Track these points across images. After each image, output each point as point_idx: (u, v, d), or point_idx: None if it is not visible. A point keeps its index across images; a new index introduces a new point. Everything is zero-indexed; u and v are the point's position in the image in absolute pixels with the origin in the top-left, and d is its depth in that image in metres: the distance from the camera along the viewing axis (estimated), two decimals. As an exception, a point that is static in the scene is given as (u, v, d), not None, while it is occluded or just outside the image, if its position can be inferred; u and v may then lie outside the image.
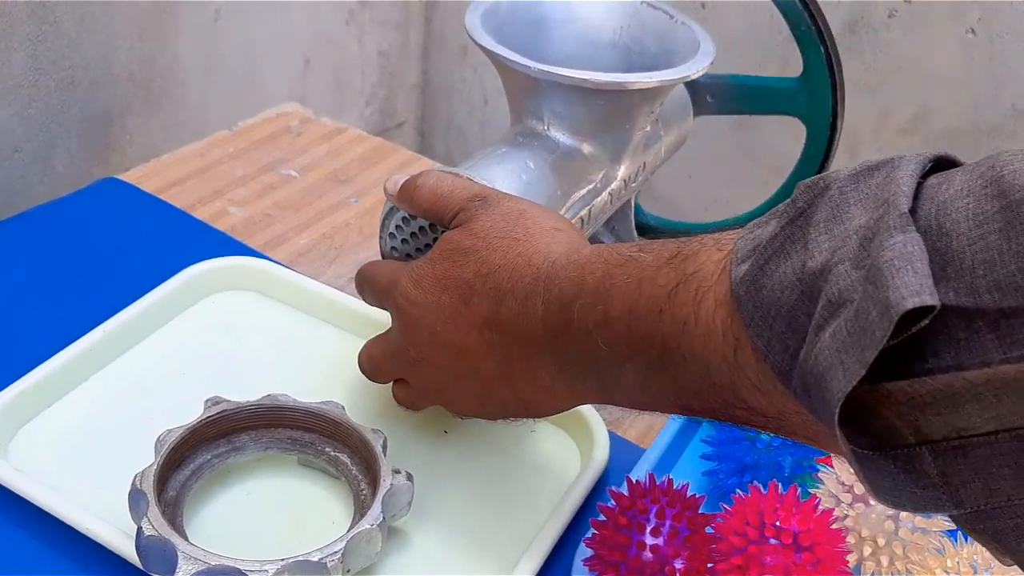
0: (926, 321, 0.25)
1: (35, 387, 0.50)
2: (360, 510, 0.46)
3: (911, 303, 0.24)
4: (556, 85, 0.52)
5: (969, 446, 0.25)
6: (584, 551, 0.46)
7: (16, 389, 0.50)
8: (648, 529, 0.43)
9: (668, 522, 0.43)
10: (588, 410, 0.53)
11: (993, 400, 0.25)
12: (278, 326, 0.58)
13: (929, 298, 0.24)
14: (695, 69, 0.53)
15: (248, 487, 0.49)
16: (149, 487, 0.43)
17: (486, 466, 0.52)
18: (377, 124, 1.12)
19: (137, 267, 0.60)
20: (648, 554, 0.43)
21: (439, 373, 0.45)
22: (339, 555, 0.42)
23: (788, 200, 0.31)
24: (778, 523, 0.43)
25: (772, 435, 0.37)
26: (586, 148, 0.55)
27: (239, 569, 0.41)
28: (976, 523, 0.26)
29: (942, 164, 0.30)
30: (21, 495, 0.45)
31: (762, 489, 0.44)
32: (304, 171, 0.74)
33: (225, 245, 0.64)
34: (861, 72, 0.90)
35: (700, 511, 0.45)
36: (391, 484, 0.45)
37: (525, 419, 0.46)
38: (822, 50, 0.59)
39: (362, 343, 0.50)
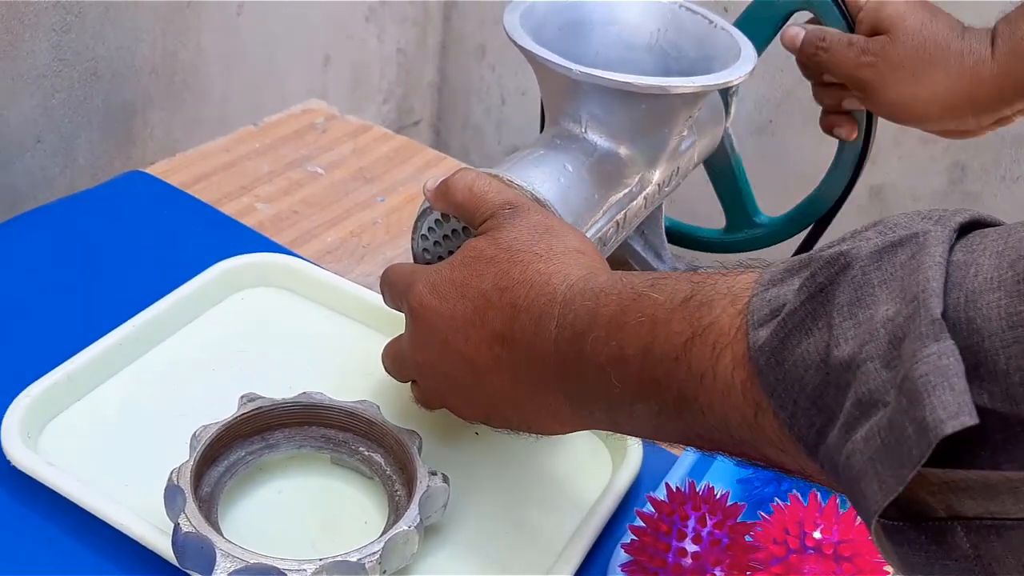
0: (960, 428, 0.24)
1: (66, 379, 0.50)
2: (395, 511, 0.46)
3: (950, 427, 0.24)
4: (596, 88, 0.52)
5: (1003, 527, 0.25)
6: (620, 556, 0.46)
7: (47, 381, 0.49)
8: (688, 536, 0.43)
9: (708, 530, 0.43)
10: None
11: None
12: (309, 323, 0.58)
13: (968, 419, 0.24)
14: (738, 74, 0.53)
15: (281, 485, 0.49)
16: (187, 483, 0.43)
17: (518, 469, 0.51)
18: (394, 122, 1.11)
19: (165, 261, 0.60)
20: (688, 561, 0.43)
21: (445, 382, 0.45)
22: (377, 556, 0.42)
23: (807, 272, 0.30)
24: (818, 533, 0.43)
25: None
26: (623, 151, 0.55)
27: (278, 568, 0.41)
28: None
29: (966, 227, 0.29)
30: (52, 488, 0.45)
31: (801, 498, 0.44)
32: (330, 168, 0.73)
33: (254, 241, 0.64)
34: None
35: (740, 519, 0.44)
36: (428, 486, 0.45)
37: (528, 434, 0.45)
38: (859, 158, 0.60)
39: (386, 339, 0.50)
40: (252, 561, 0.41)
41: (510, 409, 0.43)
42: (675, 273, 0.37)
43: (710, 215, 1.03)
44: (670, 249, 0.66)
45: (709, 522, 0.43)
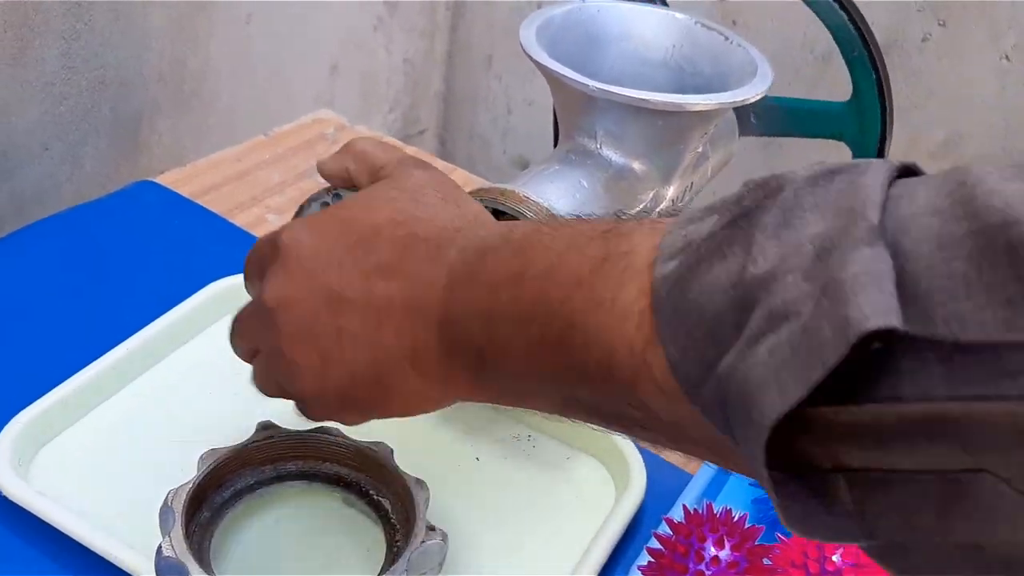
0: (878, 345, 0.22)
1: (58, 405, 0.49)
2: (390, 561, 0.45)
3: (874, 323, 0.21)
4: (611, 103, 0.52)
5: (891, 480, 0.23)
6: (636, 578, 0.45)
7: (38, 408, 0.48)
8: (706, 559, 0.43)
9: (727, 552, 0.43)
10: (622, 440, 0.52)
11: (925, 445, 0.22)
12: None
13: (895, 320, 0.21)
14: (755, 92, 0.52)
15: (286, 518, 0.47)
16: (180, 505, 0.42)
17: (519, 494, 0.51)
18: (400, 131, 1.11)
19: (175, 273, 0.60)
20: (706, 584, 0.42)
21: (290, 327, 0.37)
22: None
23: (732, 197, 0.27)
24: (837, 556, 0.43)
25: (657, 446, 0.33)
26: (638, 167, 0.55)
27: None
28: (889, 557, 0.24)
29: (907, 174, 0.26)
30: (44, 519, 0.44)
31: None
32: (339, 179, 0.73)
33: (263, 253, 0.63)
34: (893, 98, 0.90)
35: (757, 543, 0.44)
36: (423, 542, 0.43)
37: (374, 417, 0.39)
38: (874, 75, 0.59)
39: None
40: None
41: (366, 365, 0.36)
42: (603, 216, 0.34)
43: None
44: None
45: (727, 544, 0.43)
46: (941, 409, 0.21)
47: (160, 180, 0.69)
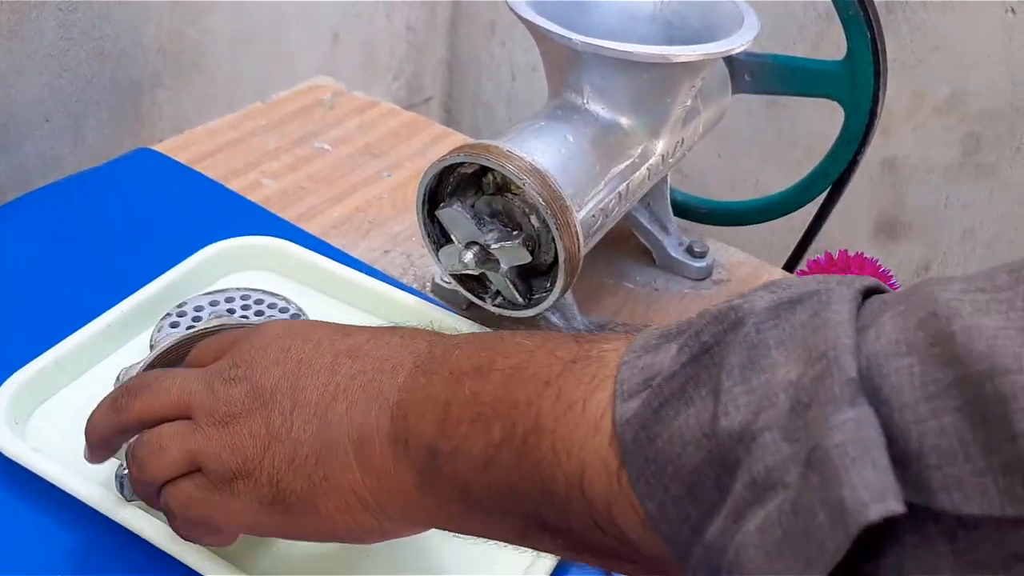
0: (887, 516, 0.20)
1: (54, 365, 0.50)
2: None
3: (874, 513, 0.19)
4: (597, 58, 0.52)
5: None
6: None
7: (35, 367, 0.49)
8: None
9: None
10: None
11: None
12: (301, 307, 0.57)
13: (895, 504, 0.19)
14: (740, 43, 0.52)
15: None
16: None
17: None
18: (404, 99, 1.11)
19: (172, 238, 0.60)
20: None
21: (244, 398, 0.34)
22: None
23: (689, 330, 0.25)
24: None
25: None
26: (625, 122, 0.55)
27: None
28: None
29: (867, 294, 0.24)
30: (40, 475, 0.44)
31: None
32: (337, 144, 0.73)
33: (259, 217, 0.64)
34: (897, 51, 0.88)
35: None
36: None
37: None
38: (868, 35, 0.58)
39: (377, 321, 0.49)
40: None
41: (310, 440, 0.33)
42: (538, 336, 0.31)
43: (720, 190, 1.03)
44: (676, 222, 0.66)
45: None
46: None
47: (158, 147, 0.70)
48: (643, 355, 0.26)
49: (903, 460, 0.20)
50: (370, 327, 0.36)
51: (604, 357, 0.27)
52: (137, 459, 0.36)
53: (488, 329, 0.53)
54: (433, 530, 0.35)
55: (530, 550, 0.30)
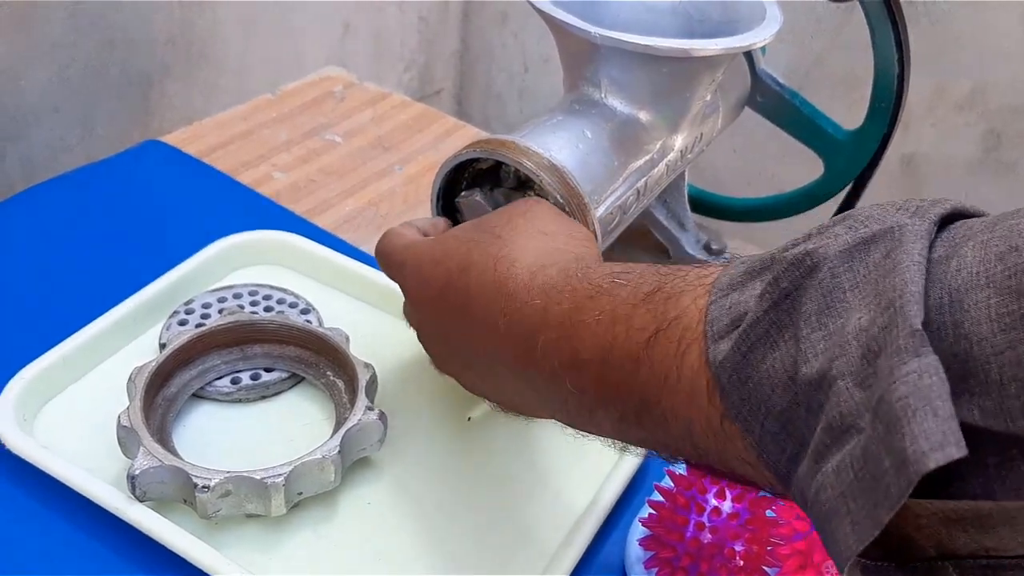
0: (946, 462, 0.21)
1: (62, 361, 0.49)
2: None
3: (933, 461, 0.20)
4: (616, 51, 0.51)
5: (1001, 567, 0.22)
6: (638, 530, 0.45)
7: (43, 363, 0.48)
8: (707, 510, 0.42)
9: (728, 503, 0.42)
10: None
11: None
12: (310, 302, 0.56)
13: (955, 451, 0.20)
14: (762, 36, 0.51)
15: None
16: (142, 380, 0.45)
17: (519, 455, 0.50)
18: (415, 91, 1.10)
19: (182, 231, 0.60)
20: (707, 535, 0.42)
21: (437, 346, 0.45)
22: (282, 478, 0.43)
23: (769, 275, 0.27)
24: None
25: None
26: (644, 117, 0.53)
27: (187, 472, 0.42)
28: None
29: (947, 219, 0.26)
30: (47, 472, 0.44)
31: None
32: (348, 137, 0.73)
33: (269, 211, 0.63)
34: (918, 46, 0.87)
35: (760, 494, 0.43)
36: (359, 420, 0.46)
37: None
38: (885, 130, 0.60)
39: (389, 317, 0.52)
40: (166, 463, 0.42)
41: (491, 383, 0.42)
42: (640, 266, 0.34)
43: (736, 183, 1.02)
44: (694, 218, 0.65)
45: (728, 495, 0.42)
46: None
47: (167, 139, 0.69)
48: (729, 293, 0.28)
49: (985, 391, 0.21)
50: (457, 282, 0.40)
51: (683, 316, 0.29)
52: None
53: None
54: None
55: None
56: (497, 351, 0.38)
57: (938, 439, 0.21)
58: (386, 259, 0.47)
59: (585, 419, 0.35)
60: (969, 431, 0.21)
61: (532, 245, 0.40)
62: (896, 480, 0.21)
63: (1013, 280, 0.22)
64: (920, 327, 0.22)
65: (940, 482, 0.22)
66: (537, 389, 0.36)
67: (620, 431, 0.33)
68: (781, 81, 0.62)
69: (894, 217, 0.25)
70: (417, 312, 0.45)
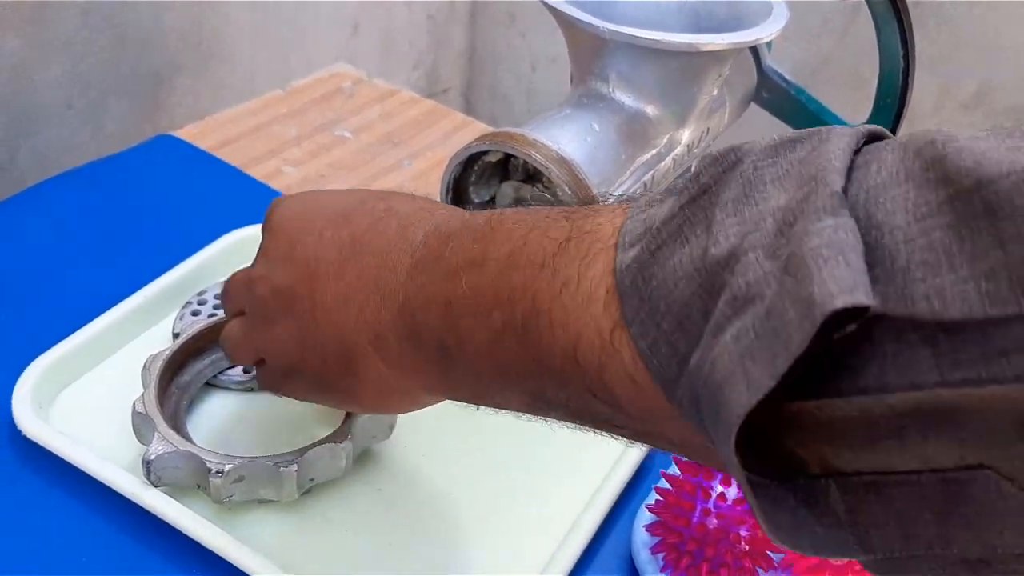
0: (853, 327, 0.20)
1: (78, 349, 0.50)
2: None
3: (841, 301, 0.19)
4: (624, 46, 0.51)
5: (885, 484, 0.21)
6: (644, 516, 0.46)
7: (58, 351, 0.49)
8: (713, 496, 0.43)
9: (733, 489, 0.43)
10: None
11: (919, 439, 0.20)
12: None
13: (863, 296, 0.20)
14: (769, 31, 0.51)
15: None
16: (156, 368, 0.46)
17: (524, 443, 0.50)
18: (423, 90, 1.11)
19: (193, 224, 0.60)
20: (713, 520, 0.42)
21: (272, 299, 0.38)
22: (295, 464, 0.43)
23: (690, 175, 0.26)
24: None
25: (629, 442, 0.29)
26: (651, 111, 0.54)
27: (201, 459, 0.43)
28: (887, 571, 0.22)
29: (874, 140, 0.24)
30: (64, 458, 0.44)
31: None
32: (357, 132, 0.73)
33: (280, 204, 0.64)
34: (924, 46, 0.87)
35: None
36: None
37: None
38: (891, 126, 0.59)
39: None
40: (181, 448, 0.43)
41: (334, 343, 0.36)
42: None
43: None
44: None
45: (734, 482, 0.43)
46: (932, 397, 0.20)
47: (178, 134, 0.70)
48: (647, 208, 0.26)
49: (889, 278, 0.20)
50: (365, 200, 0.38)
51: (598, 230, 0.27)
52: (226, 353, 0.43)
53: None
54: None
55: (542, 418, 0.32)
56: (387, 273, 0.34)
57: (848, 283, 0.20)
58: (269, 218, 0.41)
59: (460, 335, 0.31)
60: (870, 319, 0.20)
61: (420, 207, 0.37)
62: (799, 327, 0.20)
63: (930, 172, 0.21)
64: (839, 190, 0.21)
65: (829, 374, 0.21)
66: (418, 302, 0.33)
67: (495, 345, 0.30)
68: (787, 77, 0.63)
69: (823, 128, 0.25)
70: (276, 246, 0.39)
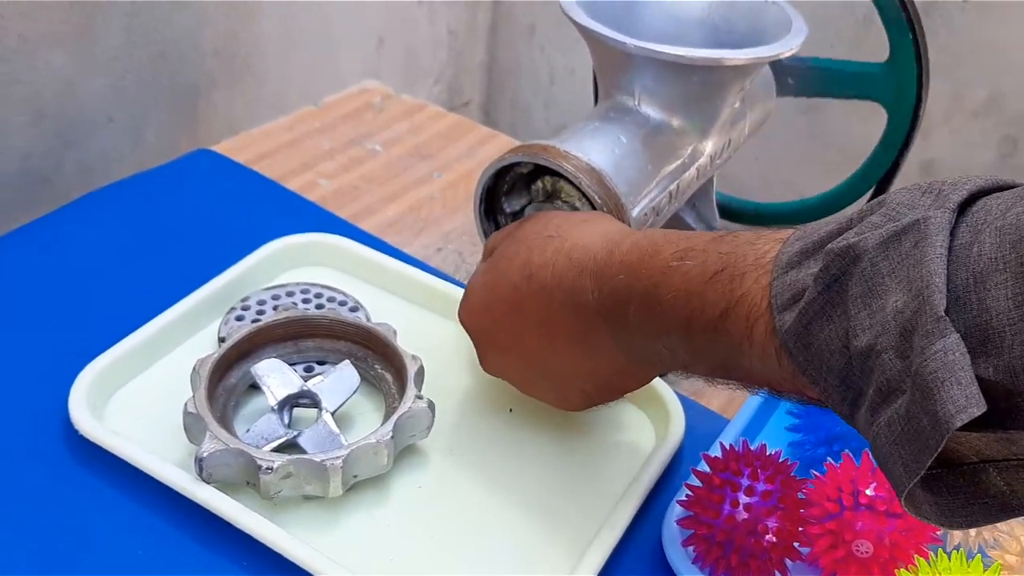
0: (969, 420, 0.27)
1: (130, 352, 0.52)
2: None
3: (959, 420, 0.26)
4: (649, 61, 0.53)
5: None
6: (676, 511, 0.47)
7: (112, 355, 0.51)
8: (742, 490, 0.45)
9: (761, 484, 0.45)
10: (660, 384, 0.54)
11: None
12: (360, 300, 0.59)
13: (975, 410, 0.27)
14: (790, 46, 0.54)
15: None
16: (205, 371, 0.48)
17: (558, 442, 0.52)
18: (444, 102, 1.13)
19: (233, 235, 0.62)
20: (742, 513, 0.44)
21: (520, 375, 0.49)
22: (340, 461, 0.46)
23: (820, 263, 0.33)
24: (870, 490, 0.44)
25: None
26: (676, 123, 0.56)
27: (251, 455, 0.45)
28: None
29: (967, 200, 0.31)
30: (119, 456, 0.46)
31: (854, 458, 0.46)
32: (387, 146, 0.76)
33: (317, 216, 0.66)
34: (935, 54, 0.89)
35: (792, 476, 0.46)
36: (409, 407, 0.48)
37: (610, 402, 0.48)
38: (911, 36, 0.60)
39: (434, 317, 0.55)
40: (232, 446, 0.45)
41: (580, 381, 0.46)
42: (700, 241, 0.39)
43: (758, 188, 1.04)
44: (721, 223, 0.68)
45: (761, 477, 0.45)
46: None
47: (216, 148, 0.72)
48: (788, 271, 0.34)
49: (998, 352, 0.27)
50: (530, 287, 0.45)
51: (748, 294, 0.35)
52: None
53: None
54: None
55: None
56: (591, 327, 0.42)
57: (962, 402, 0.27)
58: (462, 323, 0.50)
59: (684, 365, 0.40)
60: (984, 383, 0.27)
61: (587, 231, 0.45)
62: (932, 434, 0.27)
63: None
64: (944, 314, 0.28)
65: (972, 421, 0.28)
66: (635, 348, 0.42)
67: (713, 378, 0.40)
68: (801, 56, 0.63)
69: (920, 202, 0.32)
70: (488, 352, 0.49)
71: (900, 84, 0.62)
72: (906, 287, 0.30)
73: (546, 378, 0.47)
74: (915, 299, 0.29)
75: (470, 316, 0.49)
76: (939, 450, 0.27)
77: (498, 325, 0.47)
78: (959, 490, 0.30)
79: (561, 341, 0.44)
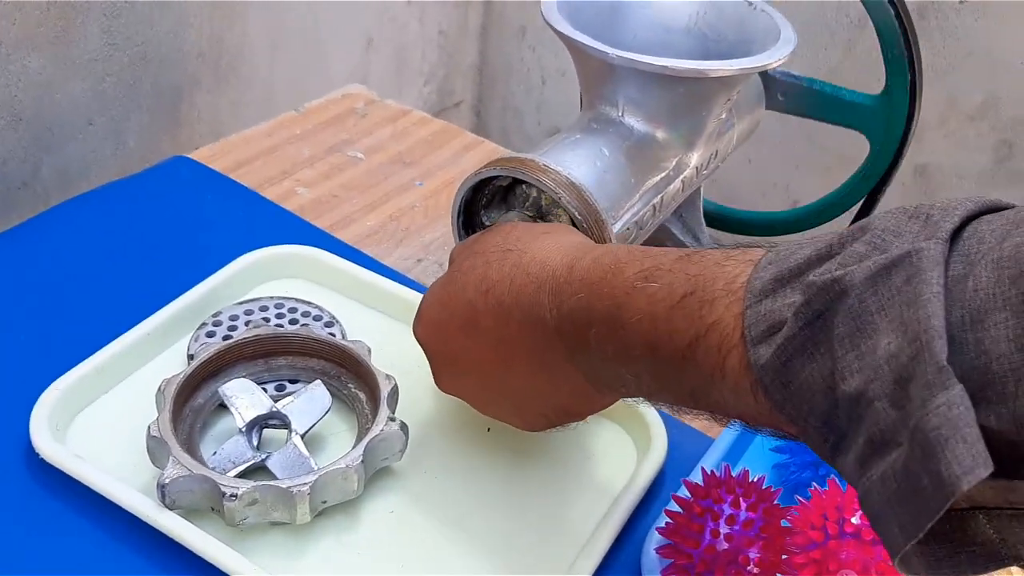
0: (976, 482, 0.25)
1: (94, 372, 0.50)
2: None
3: (966, 483, 0.24)
4: (633, 71, 0.52)
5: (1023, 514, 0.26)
6: (655, 539, 0.46)
7: (75, 375, 0.50)
8: (723, 518, 0.43)
9: (743, 512, 0.43)
10: (644, 406, 0.52)
11: None
12: (335, 315, 0.57)
13: (983, 471, 0.24)
14: (777, 57, 0.52)
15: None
16: (171, 391, 0.47)
17: (538, 462, 0.51)
18: (435, 104, 1.12)
19: (207, 246, 0.61)
20: (723, 543, 0.43)
21: (479, 394, 0.47)
22: (307, 487, 0.44)
23: (802, 298, 0.30)
24: (856, 518, 0.43)
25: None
26: (660, 135, 0.55)
27: (215, 481, 0.44)
28: None
29: (960, 227, 0.29)
30: (80, 481, 0.45)
31: (840, 484, 0.44)
32: (369, 153, 0.74)
33: (293, 226, 0.65)
34: (930, 58, 0.88)
35: (775, 503, 0.44)
36: (381, 429, 0.47)
37: (574, 423, 0.46)
38: (909, 77, 0.59)
39: (410, 330, 0.52)
40: (195, 472, 0.44)
41: (540, 402, 0.44)
42: (666, 260, 0.36)
43: (751, 197, 1.03)
44: (709, 233, 0.66)
45: (743, 505, 0.43)
46: None
47: (194, 155, 0.71)
48: (762, 300, 0.31)
49: (1001, 400, 0.25)
50: (486, 303, 0.42)
51: (720, 323, 0.32)
52: None
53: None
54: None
55: None
56: (549, 346, 0.40)
57: (969, 463, 0.24)
58: (416, 337, 0.48)
59: (647, 393, 0.38)
60: (987, 433, 0.25)
61: (547, 244, 0.42)
62: (935, 496, 0.25)
63: None
64: (945, 363, 0.25)
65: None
66: (596, 371, 0.39)
67: (680, 408, 0.37)
68: (796, 73, 0.62)
69: (908, 227, 0.29)
70: (447, 364, 0.46)
71: (890, 120, 0.61)
72: (899, 328, 0.27)
73: (504, 398, 0.45)
74: (911, 344, 0.26)
75: (424, 330, 0.46)
76: (941, 514, 0.25)
77: (453, 341, 0.44)
78: (944, 536, 0.27)
79: (519, 360, 0.42)
